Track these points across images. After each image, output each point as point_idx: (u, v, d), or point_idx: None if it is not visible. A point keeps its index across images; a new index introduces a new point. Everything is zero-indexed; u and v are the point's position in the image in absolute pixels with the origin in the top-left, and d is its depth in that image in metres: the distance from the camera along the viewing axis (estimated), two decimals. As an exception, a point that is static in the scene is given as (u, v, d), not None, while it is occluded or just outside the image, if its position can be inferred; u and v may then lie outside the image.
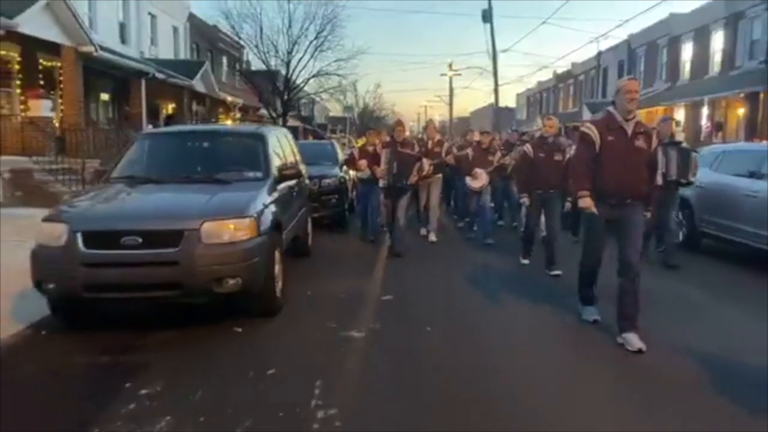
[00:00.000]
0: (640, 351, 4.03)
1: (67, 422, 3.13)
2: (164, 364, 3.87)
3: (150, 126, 16.24)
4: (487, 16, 29.39)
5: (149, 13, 21.53)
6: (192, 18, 25.12)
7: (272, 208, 5.06)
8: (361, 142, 14.07)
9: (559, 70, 39.68)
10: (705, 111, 21.64)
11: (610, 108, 4.48)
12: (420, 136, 10.36)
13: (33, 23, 11.64)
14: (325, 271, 6.71)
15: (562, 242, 6.84)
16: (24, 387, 3.65)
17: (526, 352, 4.26)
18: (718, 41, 22.26)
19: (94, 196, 5.00)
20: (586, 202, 4.32)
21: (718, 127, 20.64)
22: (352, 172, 10.10)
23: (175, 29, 24.16)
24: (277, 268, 4.96)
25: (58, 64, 13.84)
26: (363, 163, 8.33)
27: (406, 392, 3.46)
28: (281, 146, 6.61)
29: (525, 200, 6.89)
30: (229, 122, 26.34)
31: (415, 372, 3.76)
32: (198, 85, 20.84)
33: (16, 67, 12.86)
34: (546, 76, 42.14)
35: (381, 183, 7.78)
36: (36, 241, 4.34)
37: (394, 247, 7.62)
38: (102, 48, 14.27)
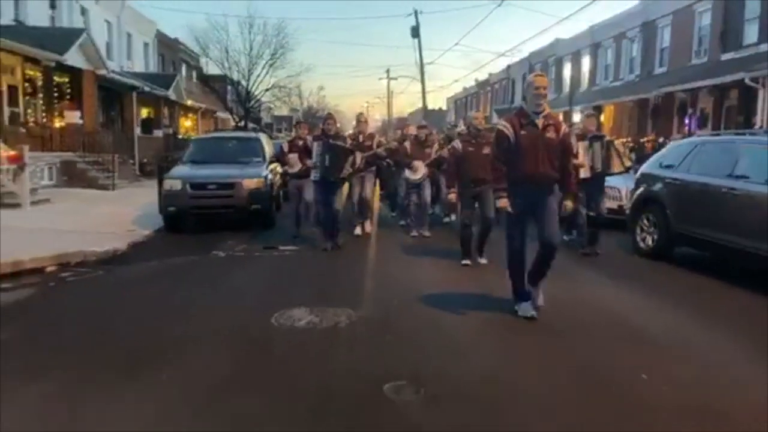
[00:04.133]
0: (532, 317, 4.66)
1: (207, 247, 8.14)
2: (234, 237, 8.88)
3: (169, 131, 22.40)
4: (415, 33, 35.48)
5: (126, 33, 25.88)
6: (159, 34, 29.53)
7: (269, 175, 10.18)
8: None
9: (481, 78, 46.13)
10: (577, 118, 28.05)
11: (522, 103, 4.82)
12: (352, 130, 10.85)
13: (72, 56, 16.20)
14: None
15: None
16: (169, 245, 8.67)
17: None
18: (586, 64, 28.76)
19: (185, 169, 9.99)
20: (503, 203, 4.70)
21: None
22: (280, 168, 9.97)
23: (146, 45, 28.51)
24: (273, 205, 10.15)
25: (66, 80, 18.22)
26: (293, 157, 8.39)
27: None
28: (267, 144, 11.77)
29: (452, 196, 6.96)
30: (189, 123, 31.02)
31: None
32: (171, 94, 25.41)
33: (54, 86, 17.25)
34: (470, 83, 48.66)
35: (313, 176, 7.66)
36: (163, 188, 9.38)
37: (328, 243, 7.76)
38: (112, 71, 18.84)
